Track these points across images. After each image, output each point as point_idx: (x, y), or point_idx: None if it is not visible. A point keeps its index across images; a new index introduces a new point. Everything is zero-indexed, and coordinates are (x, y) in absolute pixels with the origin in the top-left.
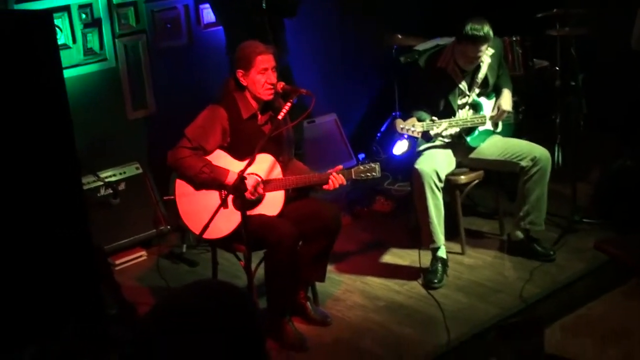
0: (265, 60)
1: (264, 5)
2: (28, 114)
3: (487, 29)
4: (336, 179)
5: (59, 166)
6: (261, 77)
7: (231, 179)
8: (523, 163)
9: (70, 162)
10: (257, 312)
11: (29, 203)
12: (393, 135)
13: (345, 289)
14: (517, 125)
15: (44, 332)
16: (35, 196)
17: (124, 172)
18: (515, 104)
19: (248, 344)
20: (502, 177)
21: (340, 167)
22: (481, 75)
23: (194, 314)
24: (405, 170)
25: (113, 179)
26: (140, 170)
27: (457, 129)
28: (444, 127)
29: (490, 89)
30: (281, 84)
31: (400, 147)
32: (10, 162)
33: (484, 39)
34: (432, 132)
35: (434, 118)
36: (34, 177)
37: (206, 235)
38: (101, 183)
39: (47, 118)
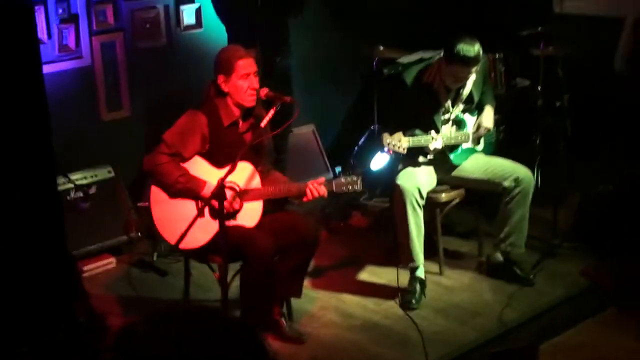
0: (246, 65)
1: (258, 2)
2: (5, 109)
3: (478, 48)
4: (316, 189)
5: (35, 166)
6: (243, 82)
7: (207, 190)
8: (506, 183)
9: (46, 162)
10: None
11: (2, 202)
12: (372, 149)
13: (320, 306)
14: (498, 143)
15: (15, 340)
16: (9, 196)
17: (96, 175)
18: (496, 122)
19: None
20: (482, 196)
21: (323, 179)
22: (466, 91)
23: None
24: (383, 186)
25: (84, 181)
26: (113, 174)
27: (441, 146)
28: (429, 142)
29: (475, 106)
30: (264, 90)
31: (378, 162)
32: None
33: (475, 61)
34: (416, 147)
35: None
36: (9, 175)
37: (182, 245)
38: (71, 185)
39: (24, 114)
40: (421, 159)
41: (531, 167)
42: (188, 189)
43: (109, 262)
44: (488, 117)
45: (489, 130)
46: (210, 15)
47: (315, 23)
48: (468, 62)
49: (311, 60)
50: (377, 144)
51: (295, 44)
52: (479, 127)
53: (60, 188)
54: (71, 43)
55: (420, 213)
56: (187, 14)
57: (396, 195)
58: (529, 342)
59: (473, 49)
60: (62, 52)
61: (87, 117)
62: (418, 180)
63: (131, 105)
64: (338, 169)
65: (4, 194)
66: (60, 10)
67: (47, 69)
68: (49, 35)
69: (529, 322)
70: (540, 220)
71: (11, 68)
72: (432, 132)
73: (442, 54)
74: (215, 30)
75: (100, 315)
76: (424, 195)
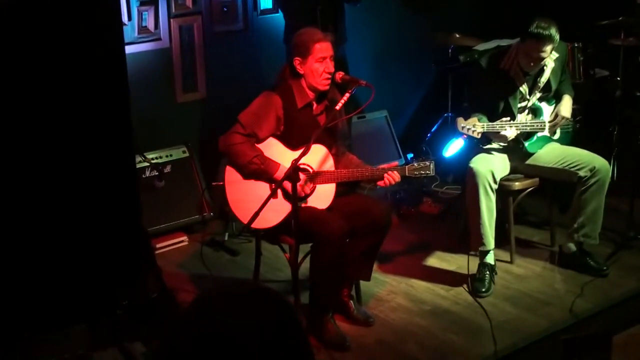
0: (323, 49)
1: None
2: (89, 88)
3: (553, 29)
4: (391, 176)
5: (115, 143)
6: (319, 65)
7: (281, 173)
8: (581, 173)
9: (125, 140)
10: (303, 332)
11: (82, 179)
12: (445, 136)
13: (389, 290)
14: (574, 134)
15: (91, 309)
16: (90, 173)
17: (171, 155)
18: (574, 112)
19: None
20: (556, 186)
21: (396, 163)
22: (544, 79)
23: (229, 324)
24: (455, 173)
25: (159, 160)
26: (187, 154)
27: (516, 132)
28: (504, 129)
29: (552, 94)
30: (340, 74)
31: (451, 149)
32: (69, 136)
33: (549, 38)
34: (491, 132)
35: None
36: (91, 151)
37: (254, 225)
38: (147, 164)
39: (107, 94)
40: (495, 145)
41: (608, 159)
42: (262, 170)
43: (182, 240)
44: (566, 106)
45: (566, 119)
46: None
47: (391, 10)
48: (541, 38)
49: (385, 47)
50: (450, 132)
51: (370, 31)
52: (556, 116)
53: (137, 166)
54: (150, 25)
55: (493, 197)
56: None
57: (469, 178)
58: (605, 331)
59: (548, 27)
60: (142, 33)
61: (163, 97)
62: (492, 165)
63: (207, 88)
64: (410, 155)
65: (85, 169)
66: None
67: (126, 49)
68: (130, 17)
69: (601, 313)
70: (616, 212)
71: (96, 48)
72: (507, 119)
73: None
74: None
75: (171, 291)
76: (497, 180)
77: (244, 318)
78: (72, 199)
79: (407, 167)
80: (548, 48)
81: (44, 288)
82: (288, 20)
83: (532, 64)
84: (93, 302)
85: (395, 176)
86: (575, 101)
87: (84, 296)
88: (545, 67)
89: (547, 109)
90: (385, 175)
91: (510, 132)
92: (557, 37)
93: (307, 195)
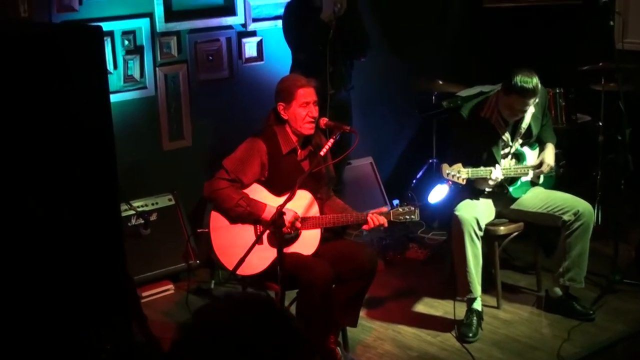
0: (306, 94)
1: (330, 35)
2: (74, 136)
3: (536, 81)
4: (377, 219)
5: (100, 191)
6: (302, 110)
7: (268, 213)
8: (565, 217)
9: (110, 188)
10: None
11: (67, 226)
12: (430, 182)
13: (376, 337)
14: (558, 178)
15: (74, 353)
16: (74, 221)
17: (157, 203)
18: (556, 157)
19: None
20: (541, 231)
21: (384, 209)
22: (524, 125)
23: (228, 332)
24: (441, 219)
25: (145, 208)
26: (173, 202)
27: (500, 177)
28: (488, 175)
29: (534, 139)
30: (324, 120)
31: (436, 195)
32: (53, 185)
33: (533, 92)
34: (476, 178)
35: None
36: (75, 199)
37: (239, 272)
38: (133, 212)
39: (92, 142)
40: (480, 191)
41: (592, 203)
42: (249, 212)
43: (168, 289)
44: (550, 154)
45: (551, 167)
46: (271, 48)
47: (374, 57)
48: (525, 94)
49: (370, 93)
50: (435, 177)
51: (354, 78)
52: (541, 164)
53: (122, 214)
54: (136, 74)
55: (479, 244)
56: (249, 47)
57: (454, 226)
58: None
59: (531, 80)
60: (127, 82)
61: (149, 145)
62: (477, 211)
63: (193, 135)
64: (395, 202)
65: (70, 217)
66: (126, 42)
67: (112, 98)
68: (115, 66)
69: (588, 357)
70: (600, 256)
71: (81, 97)
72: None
73: (500, 87)
74: (276, 62)
75: (157, 338)
76: (482, 226)
77: (246, 321)
78: (56, 245)
79: (392, 211)
80: (532, 100)
81: (27, 332)
82: (293, 57)
83: (514, 115)
84: (76, 347)
85: (380, 219)
86: (558, 146)
87: (67, 340)
88: (525, 113)
89: (530, 154)
90: (369, 217)
91: (496, 175)
92: (539, 87)
93: (294, 240)
